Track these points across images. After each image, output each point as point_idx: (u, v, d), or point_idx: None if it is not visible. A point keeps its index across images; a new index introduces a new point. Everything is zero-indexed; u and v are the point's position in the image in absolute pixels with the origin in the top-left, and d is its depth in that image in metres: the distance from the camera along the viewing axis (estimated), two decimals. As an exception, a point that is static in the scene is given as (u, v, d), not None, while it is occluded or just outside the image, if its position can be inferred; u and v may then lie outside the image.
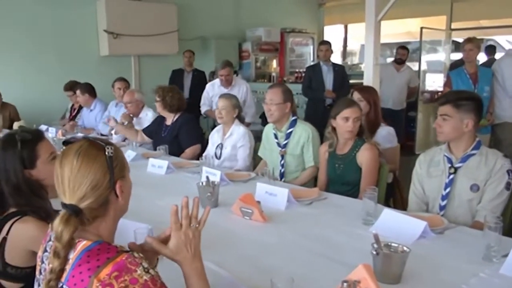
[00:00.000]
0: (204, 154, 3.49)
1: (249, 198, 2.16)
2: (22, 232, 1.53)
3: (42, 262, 1.18)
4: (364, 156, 2.63)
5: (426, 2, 7.63)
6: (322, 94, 5.34)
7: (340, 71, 5.54)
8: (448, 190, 2.19)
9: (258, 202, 2.14)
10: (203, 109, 5.24)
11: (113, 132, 4.57)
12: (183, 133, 3.81)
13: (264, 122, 3.41)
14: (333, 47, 5.71)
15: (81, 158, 1.12)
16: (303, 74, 6.38)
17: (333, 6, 9.15)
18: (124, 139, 4.41)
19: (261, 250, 1.80)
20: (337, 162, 2.74)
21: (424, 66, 7.23)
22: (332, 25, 9.81)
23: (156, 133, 4.01)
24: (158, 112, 4.03)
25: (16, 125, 4.63)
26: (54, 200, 1.72)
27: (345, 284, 1.23)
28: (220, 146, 3.47)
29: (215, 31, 7.56)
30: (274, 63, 8.39)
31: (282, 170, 3.11)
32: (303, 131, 3.06)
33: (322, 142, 2.96)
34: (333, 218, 2.16)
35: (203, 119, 5.99)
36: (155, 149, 3.79)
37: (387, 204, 2.73)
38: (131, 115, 4.36)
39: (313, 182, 3.04)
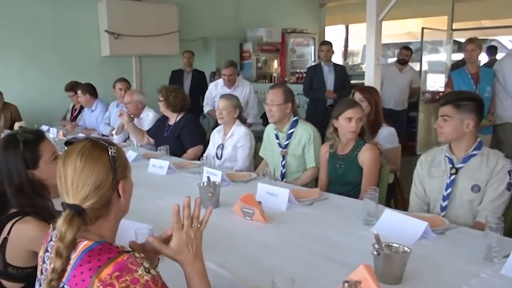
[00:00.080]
0: (205, 155, 3.50)
1: (250, 198, 2.16)
2: (23, 233, 1.54)
3: (43, 262, 1.18)
4: (365, 156, 2.62)
5: (427, 2, 7.62)
6: (323, 94, 5.34)
7: (341, 72, 5.54)
8: (449, 190, 2.19)
9: (259, 202, 2.15)
10: (206, 109, 5.22)
11: (114, 132, 4.58)
12: (186, 133, 3.82)
13: (265, 122, 3.41)
14: (334, 48, 5.71)
15: (84, 158, 1.12)
16: (304, 75, 6.38)
17: (334, 7, 9.15)
18: (125, 140, 4.41)
19: (262, 250, 1.80)
20: (338, 162, 2.73)
21: (425, 67, 7.23)
22: (333, 25, 9.81)
23: (159, 133, 4.01)
24: (161, 112, 4.04)
25: (17, 126, 4.63)
26: (55, 200, 1.73)
27: (346, 284, 1.23)
28: (221, 146, 3.47)
29: (216, 32, 7.57)
30: (275, 64, 8.39)
31: (283, 171, 3.11)
32: (304, 132, 3.06)
33: (323, 142, 2.96)
34: (334, 218, 2.16)
35: (202, 119, 5.99)
36: (157, 149, 3.79)
37: (388, 204, 2.73)
38: (132, 115, 4.36)
39: (314, 182, 3.04)
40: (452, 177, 2.18)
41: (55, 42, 6.18)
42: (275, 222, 2.08)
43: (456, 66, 6.46)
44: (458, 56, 7.61)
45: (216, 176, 2.60)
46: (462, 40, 6.40)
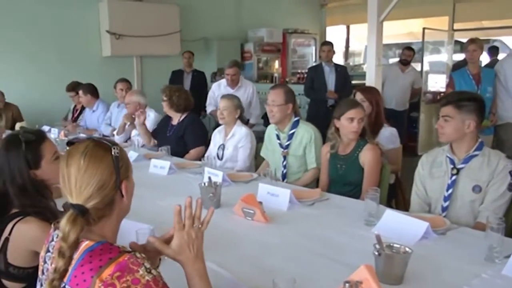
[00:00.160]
0: (206, 155, 3.50)
1: (251, 198, 2.16)
2: (24, 233, 1.54)
3: (45, 262, 1.18)
4: (366, 157, 2.62)
5: (428, 2, 7.62)
6: (324, 94, 5.34)
7: (342, 72, 5.54)
8: (450, 191, 2.18)
9: (260, 202, 2.15)
10: (209, 109, 5.20)
11: (115, 133, 4.58)
12: (189, 134, 3.82)
13: (267, 122, 3.41)
14: (335, 48, 5.71)
15: (88, 158, 1.12)
16: (305, 75, 6.38)
17: (335, 7, 9.15)
18: (126, 140, 4.41)
19: (263, 250, 1.80)
20: (339, 163, 2.73)
21: (426, 67, 7.22)
22: (334, 25, 9.82)
23: (161, 132, 4.02)
24: (164, 112, 4.04)
25: (18, 126, 4.63)
26: (57, 200, 1.73)
27: (347, 284, 1.23)
28: (222, 147, 3.47)
29: (217, 32, 7.57)
30: (276, 64, 8.39)
31: (284, 171, 3.11)
32: (306, 132, 3.06)
33: (324, 143, 2.96)
34: (335, 218, 2.16)
35: (202, 119, 5.98)
36: (158, 149, 3.78)
37: (389, 205, 2.73)
38: (133, 115, 4.36)
39: (315, 183, 3.04)
40: (453, 177, 2.18)
41: (57, 42, 6.19)
42: (276, 223, 2.08)
43: (458, 66, 6.45)
44: (460, 57, 7.60)
45: (217, 177, 2.60)
46: (464, 40, 6.39)
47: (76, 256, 1.06)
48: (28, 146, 1.66)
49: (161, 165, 3.12)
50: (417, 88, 6.49)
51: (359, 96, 3.17)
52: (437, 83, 7.63)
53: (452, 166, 2.19)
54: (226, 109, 3.38)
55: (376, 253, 1.46)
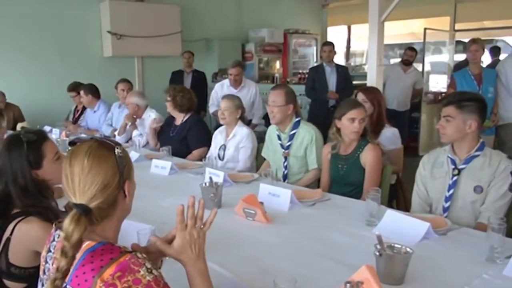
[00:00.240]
0: (207, 155, 3.50)
1: (252, 199, 2.17)
2: (25, 233, 1.54)
3: (46, 262, 1.18)
4: (367, 157, 2.62)
5: (429, 3, 7.61)
6: (325, 95, 5.34)
7: (343, 72, 5.54)
8: (451, 191, 2.18)
9: (261, 203, 2.15)
10: (212, 109, 5.18)
11: (116, 133, 4.58)
12: (192, 134, 3.82)
13: (268, 123, 3.41)
14: (336, 48, 5.71)
15: (91, 158, 1.12)
16: (306, 75, 6.38)
17: (336, 7, 9.15)
18: (127, 141, 4.42)
19: (264, 250, 1.80)
20: (340, 163, 2.73)
21: (428, 67, 7.22)
22: (336, 26, 9.81)
23: (164, 132, 4.02)
24: (167, 112, 4.05)
25: (19, 126, 4.64)
26: (58, 201, 1.73)
27: (348, 285, 1.23)
28: (223, 147, 3.47)
29: (218, 32, 7.58)
30: (277, 64, 8.39)
31: (285, 172, 3.11)
32: (307, 133, 3.06)
33: (325, 143, 2.96)
34: (336, 219, 2.16)
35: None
36: (159, 149, 3.78)
37: (390, 205, 2.73)
38: (134, 116, 4.37)
39: (316, 183, 3.04)
40: (455, 178, 2.18)
41: (58, 42, 6.20)
42: (277, 223, 2.08)
43: (459, 66, 6.45)
44: (461, 57, 7.59)
45: (218, 177, 2.60)
46: (465, 40, 6.39)
47: (78, 256, 1.06)
48: (29, 146, 1.66)
49: (162, 165, 3.12)
50: (419, 89, 6.48)
51: (361, 97, 3.17)
52: (438, 83, 7.63)
53: (453, 166, 2.19)
54: (227, 110, 3.38)
55: (377, 254, 1.46)
